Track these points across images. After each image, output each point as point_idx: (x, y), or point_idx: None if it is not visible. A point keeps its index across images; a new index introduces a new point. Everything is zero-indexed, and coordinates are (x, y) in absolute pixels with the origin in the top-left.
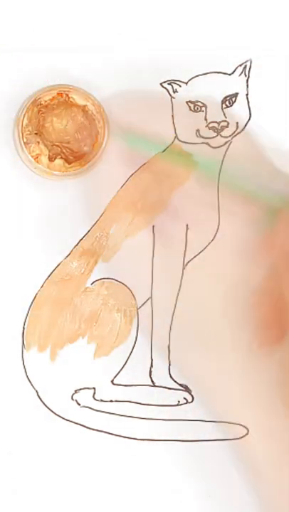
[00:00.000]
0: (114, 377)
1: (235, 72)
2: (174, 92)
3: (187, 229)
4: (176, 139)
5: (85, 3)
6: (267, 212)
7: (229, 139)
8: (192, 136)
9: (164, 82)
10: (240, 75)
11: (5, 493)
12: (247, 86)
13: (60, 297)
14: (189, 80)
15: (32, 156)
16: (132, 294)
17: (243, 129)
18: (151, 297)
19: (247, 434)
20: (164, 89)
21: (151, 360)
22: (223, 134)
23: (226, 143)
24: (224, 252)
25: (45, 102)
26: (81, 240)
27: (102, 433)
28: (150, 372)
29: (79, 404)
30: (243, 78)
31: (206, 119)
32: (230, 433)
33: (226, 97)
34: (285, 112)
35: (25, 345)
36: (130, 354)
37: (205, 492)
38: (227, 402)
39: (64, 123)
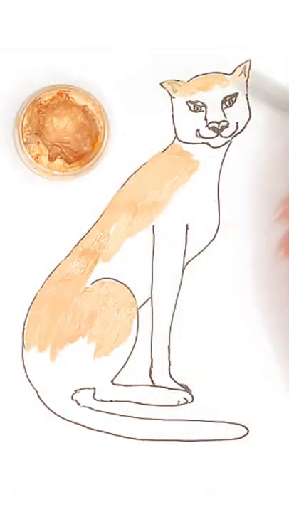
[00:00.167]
0: (114, 377)
1: (235, 72)
2: (174, 92)
3: (187, 229)
4: (176, 139)
5: (85, 3)
6: None
7: (229, 139)
8: (192, 136)
9: (164, 82)
10: (240, 75)
11: (5, 493)
12: (247, 86)
13: (60, 297)
14: (189, 80)
15: (32, 156)
16: (132, 294)
17: (243, 129)
18: (151, 297)
19: (247, 434)
20: (164, 89)
21: (151, 360)
22: (223, 134)
23: (226, 143)
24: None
25: (45, 102)
26: (81, 240)
27: (102, 433)
28: (150, 372)
29: (79, 404)
30: (243, 78)
31: (206, 119)
32: (230, 433)
33: (226, 97)
34: (285, 112)
35: (25, 345)
36: (130, 354)
37: (205, 492)
38: (227, 402)
39: (64, 123)
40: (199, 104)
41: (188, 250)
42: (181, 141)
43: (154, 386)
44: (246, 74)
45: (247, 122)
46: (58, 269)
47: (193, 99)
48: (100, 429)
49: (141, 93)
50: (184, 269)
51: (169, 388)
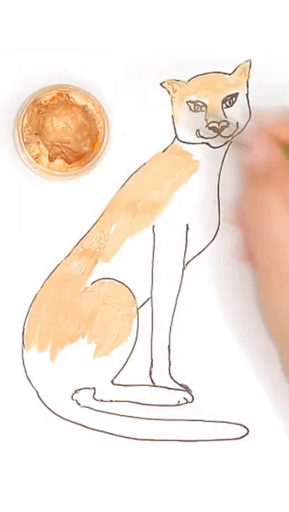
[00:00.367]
0: (114, 377)
1: (235, 72)
2: (174, 91)
3: (187, 229)
4: (176, 139)
5: (85, 3)
6: None
7: (229, 139)
8: (192, 136)
9: (164, 82)
10: (240, 75)
11: (5, 493)
12: (247, 86)
13: (60, 297)
14: (189, 79)
15: (32, 156)
16: (132, 294)
17: (243, 129)
18: (151, 297)
19: (247, 434)
20: (164, 89)
21: (151, 360)
22: (223, 134)
23: (226, 143)
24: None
25: (45, 102)
26: (81, 240)
27: (102, 433)
28: (150, 372)
29: (79, 404)
30: (243, 78)
31: (206, 119)
32: (230, 433)
33: (226, 97)
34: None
35: (25, 345)
36: (130, 354)
37: (205, 492)
38: (227, 402)
39: (64, 123)
40: (199, 104)
41: (188, 250)
42: (181, 141)
43: (154, 386)
44: (246, 74)
45: (247, 122)
46: (58, 269)
47: (193, 99)
48: (100, 429)
49: (141, 93)
50: (184, 269)
51: (169, 388)
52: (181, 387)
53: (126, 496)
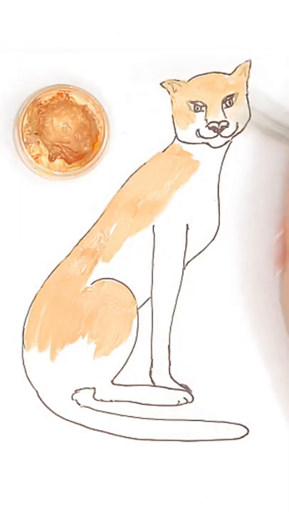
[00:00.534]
0: (114, 377)
1: (235, 72)
2: (174, 91)
3: (187, 229)
4: (176, 139)
5: (85, 3)
6: None
7: (229, 139)
8: (192, 136)
9: (164, 82)
10: (240, 75)
11: (5, 493)
12: (247, 86)
13: (60, 297)
14: (189, 79)
15: (32, 156)
16: (132, 294)
17: (243, 129)
18: (151, 297)
19: (247, 434)
20: (164, 89)
21: (151, 360)
22: (223, 134)
23: (226, 143)
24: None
25: (45, 102)
26: (81, 239)
27: (102, 433)
28: (150, 372)
29: (79, 404)
30: (243, 78)
31: (206, 119)
32: (230, 433)
33: (226, 97)
34: (285, 112)
35: (25, 345)
36: (130, 354)
37: (205, 492)
38: (227, 402)
39: (64, 123)
40: (199, 104)
41: (188, 250)
42: (181, 141)
43: (154, 386)
44: (246, 74)
45: (247, 122)
46: (58, 269)
47: (193, 99)
48: (100, 429)
49: (141, 93)
50: (184, 269)
51: (169, 388)
52: (181, 387)
53: (126, 496)
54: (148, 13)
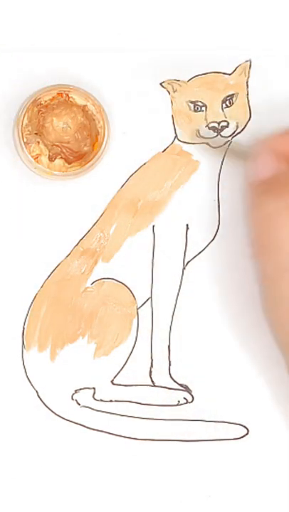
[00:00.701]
0: (114, 377)
1: (235, 72)
2: (174, 91)
3: (187, 229)
4: (176, 139)
5: (85, 4)
6: None
7: (229, 139)
8: (192, 136)
9: (164, 82)
10: (240, 75)
11: (5, 493)
12: (247, 86)
13: (60, 297)
14: (189, 79)
15: (32, 156)
16: (132, 294)
17: (243, 129)
18: (151, 297)
19: (247, 434)
20: (164, 89)
21: (151, 360)
22: (223, 134)
23: (226, 143)
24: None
25: (45, 102)
26: (81, 239)
27: (102, 433)
28: (150, 372)
29: (79, 404)
30: (243, 78)
31: (206, 119)
32: (230, 433)
33: (225, 97)
34: (286, 112)
35: (25, 345)
36: (130, 354)
37: (205, 492)
38: (227, 402)
39: (64, 123)
40: (199, 104)
41: (188, 250)
42: (181, 141)
43: (154, 386)
44: (246, 74)
45: (247, 122)
46: (58, 269)
47: (193, 99)
48: (100, 429)
49: (141, 93)
50: (183, 269)
51: (169, 388)
52: (181, 387)
53: (126, 496)
54: (148, 13)
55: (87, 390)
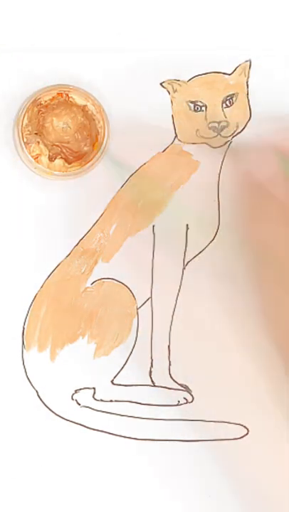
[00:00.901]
0: (114, 377)
1: (235, 72)
2: (174, 91)
3: (187, 229)
4: (176, 139)
5: (85, 4)
6: None
7: (229, 138)
8: (192, 136)
9: (164, 82)
10: (240, 75)
11: (5, 493)
12: (247, 86)
13: (60, 297)
14: (189, 79)
15: (32, 156)
16: (132, 294)
17: (243, 129)
18: (151, 297)
19: (247, 434)
20: (164, 89)
21: (151, 360)
22: (223, 133)
23: (226, 143)
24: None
25: (45, 102)
26: (81, 239)
27: (102, 433)
28: (150, 372)
29: (79, 404)
30: (243, 78)
31: (206, 119)
32: (230, 433)
33: (226, 97)
34: (286, 112)
35: (25, 345)
36: (130, 354)
37: (205, 492)
38: (227, 402)
39: (64, 123)
40: (199, 104)
41: (188, 250)
42: (181, 141)
43: (154, 386)
44: (246, 74)
45: (247, 122)
46: (58, 269)
47: (193, 99)
48: (100, 429)
49: (141, 93)
50: (183, 269)
51: (169, 388)
52: (181, 387)
53: (126, 495)
54: (148, 13)
55: (87, 390)
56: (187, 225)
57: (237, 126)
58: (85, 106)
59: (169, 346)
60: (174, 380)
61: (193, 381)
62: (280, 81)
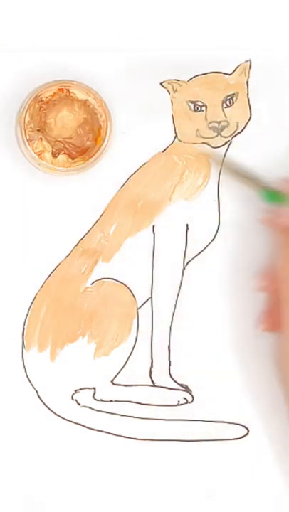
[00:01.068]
0: (114, 377)
1: (235, 72)
2: (174, 91)
3: (187, 229)
4: (176, 139)
5: (85, 4)
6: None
7: (229, 138)
8: (192, 136)
9: (164, 82)
10: (240, 75)
11: (5, 493)
12: (247, 86)
13: (60, 297)
14: (189, 79)
15: (35, 153)
16: (132, 294)
17: (243, 129)
18: (151, 297)
19: (247, 434)
20: (164, 89)
21: (152, 360)
22: (223, 133)
23: (226, 143)
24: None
25: (46, 98)
26: (81, 239)
27: (102, 433)
28: (150, 372)
29: (79, 404)
30: (243, 78)
31: (206, 119)
32: (230, 433)
33: (226, 97)
34: (285, 112)
35: (25, 345)
36: (130, 354)
37: (205, 492)
38: (227, 402)
39: (66, 118)
40: (199, 104)
41: (188, 250)
42: (181, 141)
43: (154, 386)
44: (246, 74)
45: (247, 122)
46: (58, 269)
47: (193, 99)
48: (100, 429)
49: (141, 93)
50: (183, 269)
51: (169, 388)
52: (181, 387)
53: (126, 496)
54: (148, 13)
55: (87, 390)
56: (187, 225)
57: (237, 126)
58: (86, 100)
59: (169, 346)
60: (174, 380)
61: (193, 381)
62: (280, 81)
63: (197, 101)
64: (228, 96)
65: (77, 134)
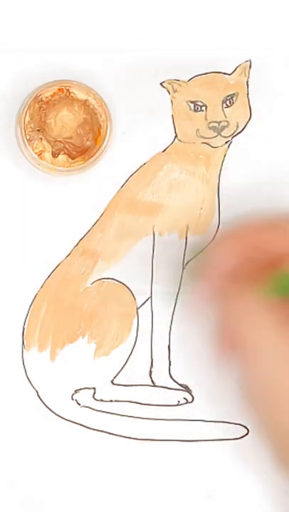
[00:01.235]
0: (114, 377)
1: (235, 72)
2: (174, 91)
3: (187, 229)
4: (176, 139)
5: (85, 4)
6: None
7: (229, 138)
8: (192, 136)
9: (164, 82)
10: (240, 75)
11: (5, 493)
12: (247, 86)
13: (60, 297)
14: (189, 79)
15: (35, 153)
16: (132, 294)
17: (243, 129)
18: (151, 297)
19: (247, 434)
20: (164, 89)
21: (151, 360)
22: (223, 133)
23: (226, 143)
24: None
25: (46, 98)
26: (81, 239)
27: (102, 433)
28: (150, 372)
29: (79, 404)
30: (243, 78)
31: (206, 119)
32: (230, 433)
33: (226, 97)
34: (285, 112)
35: (25, 345)
36: (130, 354)
37: (205, 492)
38: (227, 402)
39: (66, 118)
40: (199, 103)
41: (188, 250)
42: (181, 141)
43: (154, 386)
44: (246, 74)
45: (247, 122)
46: (58, 269)
47: (193, 99)
48: (100, 429)
49: (141, 93)
50: (183, 269)
51: (169, 388)
52: (181, 387)
53: (126, 495)
54: (148, 13)
55: (87, 390)
56: (187, 225)
57: (237, 126)
58: (86, 100)
59: (169, 346)
60: (174, 380)
61: (193, 381)
62: (280, 81)
63: (197, 101)
64: (228, 96)
65: (77, 134)
